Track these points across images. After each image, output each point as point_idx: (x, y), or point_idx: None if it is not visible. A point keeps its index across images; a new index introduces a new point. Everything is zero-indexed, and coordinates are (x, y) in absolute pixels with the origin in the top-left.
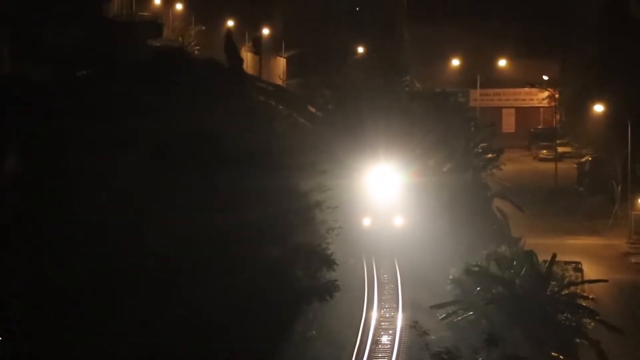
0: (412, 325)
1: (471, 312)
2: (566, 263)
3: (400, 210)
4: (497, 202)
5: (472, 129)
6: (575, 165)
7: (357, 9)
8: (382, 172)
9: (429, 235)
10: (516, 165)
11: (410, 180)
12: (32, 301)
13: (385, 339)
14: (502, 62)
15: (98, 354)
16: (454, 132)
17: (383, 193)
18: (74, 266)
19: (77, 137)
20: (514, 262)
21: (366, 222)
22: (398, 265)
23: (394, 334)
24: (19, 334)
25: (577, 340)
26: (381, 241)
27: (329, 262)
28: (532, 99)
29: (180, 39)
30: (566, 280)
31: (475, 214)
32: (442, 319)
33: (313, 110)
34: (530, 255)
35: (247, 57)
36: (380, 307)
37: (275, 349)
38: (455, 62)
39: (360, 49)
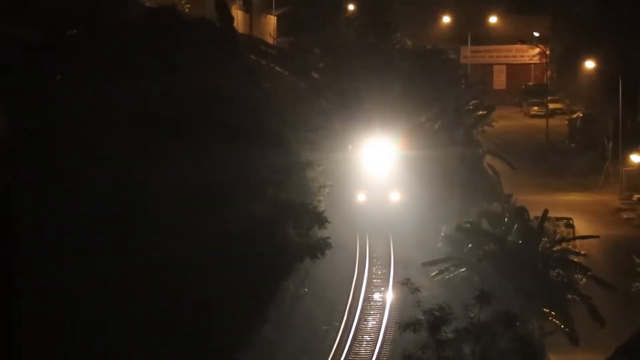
0: (404, 282)
1: (463, 269)
2: (558, 219)
3: (394, 183)
4: (489, 159)
5: (463, 86)
6: (567, 122)
7: None
8: (376, 142)
9: (422, 202)
10: (507, 122)
11: (404, 152)
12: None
13: (377, 296)
14: (493, 19)
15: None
16: (445, 88)
17: (377, 165)
18: (60, 228)
19: (67, 99)
20: (506, 219)
21: (361, 197)
22: (392, 230)
23: (385, 291)
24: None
25: (569, 296)
26: (376, 211)
27: (320, 219)
28: (523, 56)
29: None
30: (558, 237)
31: (467, 174)
32: (434, 275)
33: (312, 73)
34: (521, 211)
35: (238, 15)
36: (372, 265)
37: (267, 307)
38: (446, 20)
39: (351, 7)
